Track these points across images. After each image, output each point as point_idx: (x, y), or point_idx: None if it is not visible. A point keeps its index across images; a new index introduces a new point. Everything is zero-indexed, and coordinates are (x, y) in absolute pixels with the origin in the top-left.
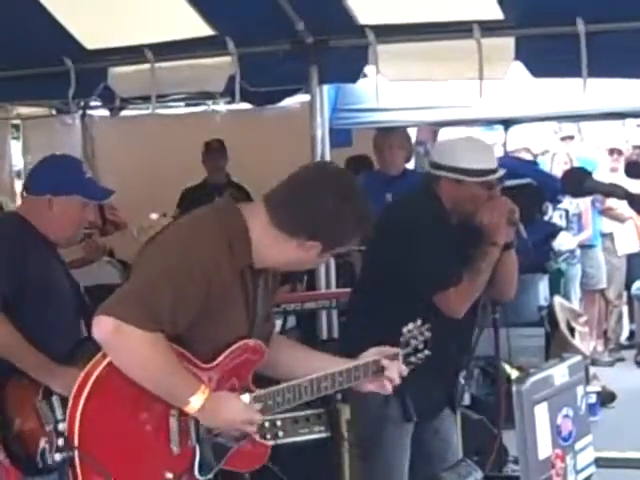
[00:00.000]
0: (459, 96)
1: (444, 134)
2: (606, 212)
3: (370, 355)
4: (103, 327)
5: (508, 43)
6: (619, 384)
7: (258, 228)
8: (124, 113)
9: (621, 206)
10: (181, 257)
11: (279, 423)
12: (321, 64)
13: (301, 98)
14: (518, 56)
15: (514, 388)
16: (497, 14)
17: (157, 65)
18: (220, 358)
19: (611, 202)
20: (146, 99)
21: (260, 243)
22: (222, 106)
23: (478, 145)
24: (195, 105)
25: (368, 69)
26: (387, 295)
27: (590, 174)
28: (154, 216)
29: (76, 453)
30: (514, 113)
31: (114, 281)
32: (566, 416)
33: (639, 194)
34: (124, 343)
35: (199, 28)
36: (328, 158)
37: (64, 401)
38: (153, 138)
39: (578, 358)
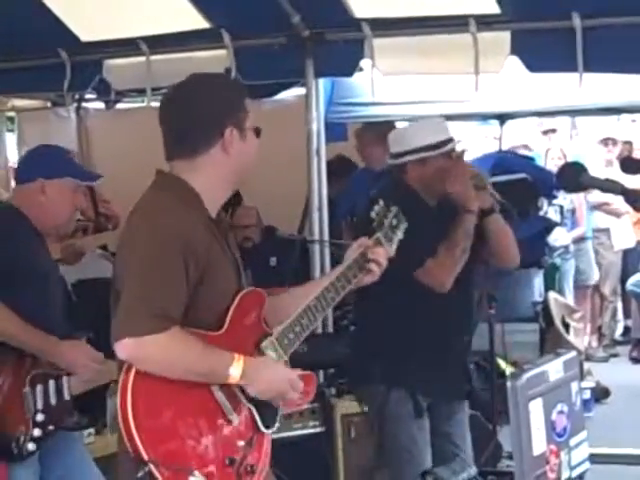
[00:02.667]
0: (455, 90)
1: None
2: (602, 207)
3: (354, 252)
4: (124, 350)
5: (504, 37)
6: (613, 380)
7: (190, 177)
8: (119, 106)
9: (617, 201)
10: (153, 244)
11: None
12: (317, 57)
13: (297, 91)
14: (514, 50)
15: (509, 384)
16: (493, 8)
17: (152, 57)
18: (227, 320)
19: (607, 197)
20: (141, 92)
21: (202, 187)
22: None
23: (428, 122)
24: None
25: (364, 63)
26: (386, 292)
27: (586, 169)
28: None
29: (152, 467)
30: (510, 108)
31: (108, 275)
32: (561, 412)
33: (635, 189)
34: (150, 355)
35: (195, 21)
36: (324, 152)
37: (46, 393)
38: (148, 131)
39: (573, 354)
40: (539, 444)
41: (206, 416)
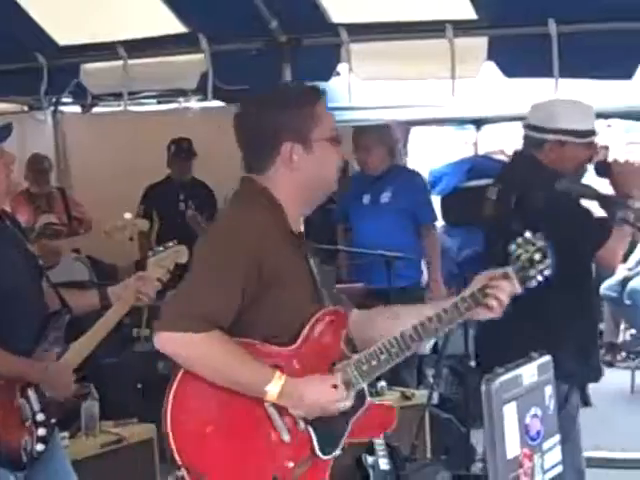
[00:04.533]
0: (431, 95)
1: (416, 133)
2: None
3: (476, 284)
4: (158, 342)
5: (481, 43)
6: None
7: (271, 189)
8: (96, 110)
9: (591, 206)
10: (220, 247)
11: None
12: (294, 62)
13: None
14: (490, 56)
15: (483, 387)
16: (470, 14)
17: (129, 62)
18: (301, 337)
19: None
20: (118, 96)
21: (281, 199)
22: (194, 103)
23: (579, 105)
24: (167, 102)
25: (341, 68)
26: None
27: (562, 175)
28: (128, 215)
29: (184, 472)
30: (486, 113)
31: (83, 278)
32: (534, 416)
33: (610, 195)
34: (186, 352)
35: (172, 25)
36: None
37: (38, 391)
38: (125, 135)
39: (547, 358)
40: (513, 448)
41: (253, 431)
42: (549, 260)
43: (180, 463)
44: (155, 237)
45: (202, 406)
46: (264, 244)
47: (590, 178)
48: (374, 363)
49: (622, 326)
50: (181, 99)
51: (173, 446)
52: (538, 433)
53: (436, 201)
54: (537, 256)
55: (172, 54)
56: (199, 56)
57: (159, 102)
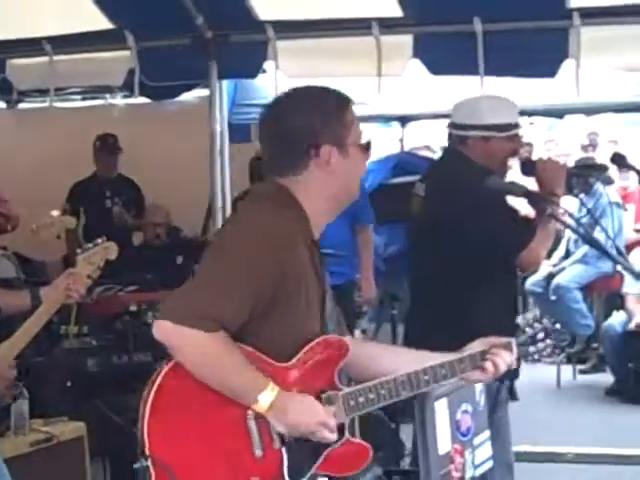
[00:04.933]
0: (357, 92)
1: None
2: None
3: (477, 346)
4: (160, 330)
5: (406, 41)
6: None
7: (298, 193)
8: (22, 106)
9: (516, 203)
10: (241, 250)
11: None
12: (220, 59)
13: (200, 93)
14: (416, 54)
15: None
16: (396, 12)
17: (56, 58)
18: (298, 356)
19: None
20: (44, 92)
21: (307, 207)
22: (120, 100)
23: (499, 100)
24: (92, 99)
25: (267, 65)
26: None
27: (491, 172)
28: (55, 213)
29: (150, 463)
30: (411, 110)
31: (9, 275)
32: (465, 412)
33: (537, 192)
34: (184, 345)
35: (99, 21)
36: (227, 153)
37: None
38: (50, 131)
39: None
40: (444, 443)
41: (229, 439)
42: (549, 341)
43: (147, 453)
44: (82, 234)
45: (184, 402)
46: (291, 257)
47: (516, 176)
48: (361, 400)
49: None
50: (107, 95)
51: (145, 434)
52: (469, 429)
53: None
54: (541, 335)
55: (99, 50)
56: (125, 53)
57: (84, 98)
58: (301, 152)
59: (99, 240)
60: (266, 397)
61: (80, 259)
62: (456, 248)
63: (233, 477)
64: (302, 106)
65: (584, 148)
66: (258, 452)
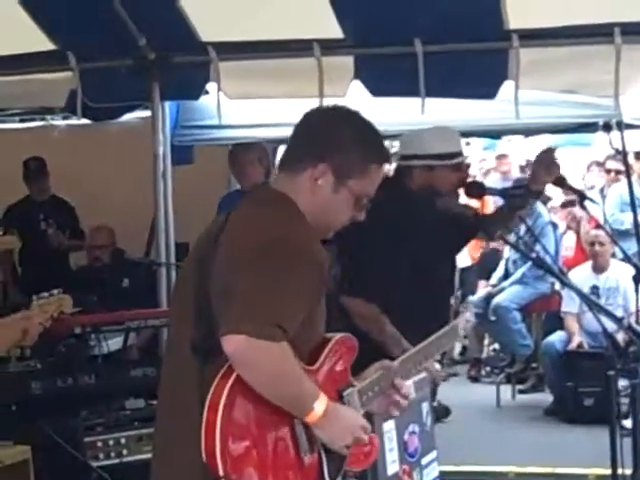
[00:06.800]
0: (300, 114)
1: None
2: None
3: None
4: (235, 345)
5: (348, 62)
6: (453, 399)
7: (297, 197)
8: None
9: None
10: (295, 258)
11: (123, 441)
12: (163, 81)
13: (142, 113)
14: (357, 75)
15: None
16: (337, 33)
17: None
18: (321, 358)
19: None
20: None
21: (306, 209)
22: (61, 121)
23: (441, 130)
24: (30, 120)
25: (210, 86)
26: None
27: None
28: None
29: None
30: None
31: None
32: (412, 432)
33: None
34: (258, 359)
35: (40, 42)
36: (170, 175)
37: None
38: None
39: (423, 375)
40: (392, 464)
41: (282, 448)
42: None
43: (222, 474)
44: (17, 257)
45: (246, 419)
46: (323, 260)
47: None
48: (370, 394)
49: (486, 341)
50: (47, 117)
51: (218, 457)
52: (416, 450)
53: None
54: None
55: (40, 72)
56: (67, 74)
57: (21, 120)
58: (307, 156)
59: (55, 291)
60: (320, 405)
61: (35, 305)
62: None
63: None
64: (345, 124)
65: (522, 168)
66: (306, 458)
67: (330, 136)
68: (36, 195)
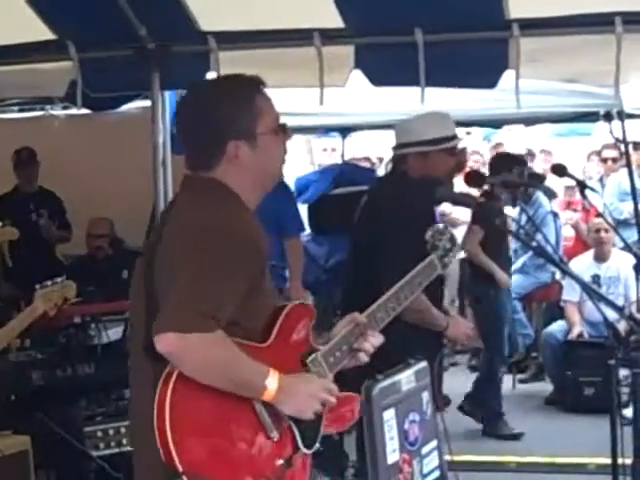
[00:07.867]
0: (300, 103)
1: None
2: (440, 217)
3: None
4: (166, 344)
5: (348, 51)
6: (453, 389)
7: (231, 180)
8: None
9: (455, 211)
10: (223, 243)
11: (123, 431)
12: (163, 70)
13: (141, 103)
14: (358, 64)
15: (363, 394)
16: (338, 22)
17: None
18: (274, 333)
19: (448, 207)
20: None
21: (245, 183)
22: (60, 111)
23: (433, 116)
24: (30, 110)
25: (210, 75)
26: None
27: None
28: None
29: (185, 479)
30: (352, 121)
31: None
32: (413, 421)
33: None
34: (191, 352)
35: (39, 32)
36: (170, 164)
37: None
38: None
39: (423, 364)
40: (392, 453)
41: (246, 431)
42: (458, 246)
43: (181, 470)
44: (7, 248)
45: (198, 410)
46: (260, 239)
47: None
48: (338, 355)
49: None
50: (47, 106)
51: (174, 455)
52: (416, 439)
53: (303, 209)
54: (448, 244)
55: (40, 61)
56: (67, 63)
57: (21, 110)
58: (210, 149)
59: (59, 279)
60: (272, 382)
61: (38, 295)
62: (383, 263)
63: (261, 466)
64: (204, 104)
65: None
66: (274, 434)
67: (211, 120)
68: (25, 185)
